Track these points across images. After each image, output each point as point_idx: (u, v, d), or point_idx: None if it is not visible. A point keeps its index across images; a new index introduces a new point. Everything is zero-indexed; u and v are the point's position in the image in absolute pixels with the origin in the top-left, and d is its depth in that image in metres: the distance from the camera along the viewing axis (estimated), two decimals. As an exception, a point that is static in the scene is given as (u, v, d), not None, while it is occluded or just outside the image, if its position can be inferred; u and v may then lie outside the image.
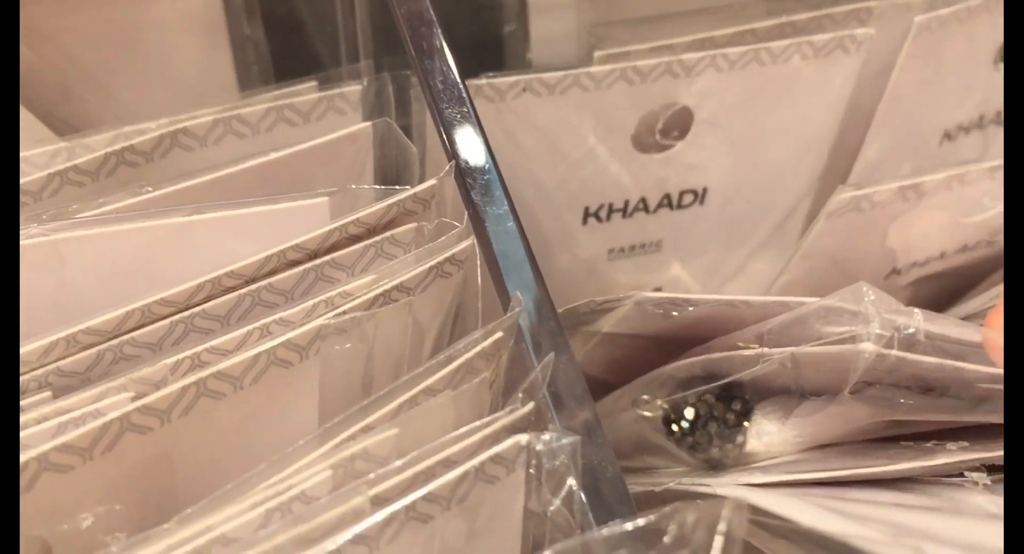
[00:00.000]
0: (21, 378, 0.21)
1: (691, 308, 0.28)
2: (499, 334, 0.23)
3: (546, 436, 0.20)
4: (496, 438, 0.20)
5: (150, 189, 0.25)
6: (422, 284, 0.24)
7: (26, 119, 0.29)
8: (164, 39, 0.32)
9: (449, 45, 0.27)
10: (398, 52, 0.30)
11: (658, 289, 0.40)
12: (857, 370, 0.24)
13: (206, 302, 0.22)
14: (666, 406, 0.30)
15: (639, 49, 0.33)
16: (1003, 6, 0.35)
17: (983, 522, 0.23)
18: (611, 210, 0.36)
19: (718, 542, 0.16)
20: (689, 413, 0.30)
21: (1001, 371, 0.24)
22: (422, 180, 0.25)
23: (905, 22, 0.34)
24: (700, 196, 0.36)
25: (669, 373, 0.30)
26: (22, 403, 0.20)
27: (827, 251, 0.34)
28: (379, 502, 0.19)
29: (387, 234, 0.24)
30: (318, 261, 0.24)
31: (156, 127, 0.27)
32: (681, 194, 0.36)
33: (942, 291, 0.39)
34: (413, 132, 0.32)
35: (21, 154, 0.26)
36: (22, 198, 0.24)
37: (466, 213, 0.25)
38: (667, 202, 0.36)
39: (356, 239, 0.24)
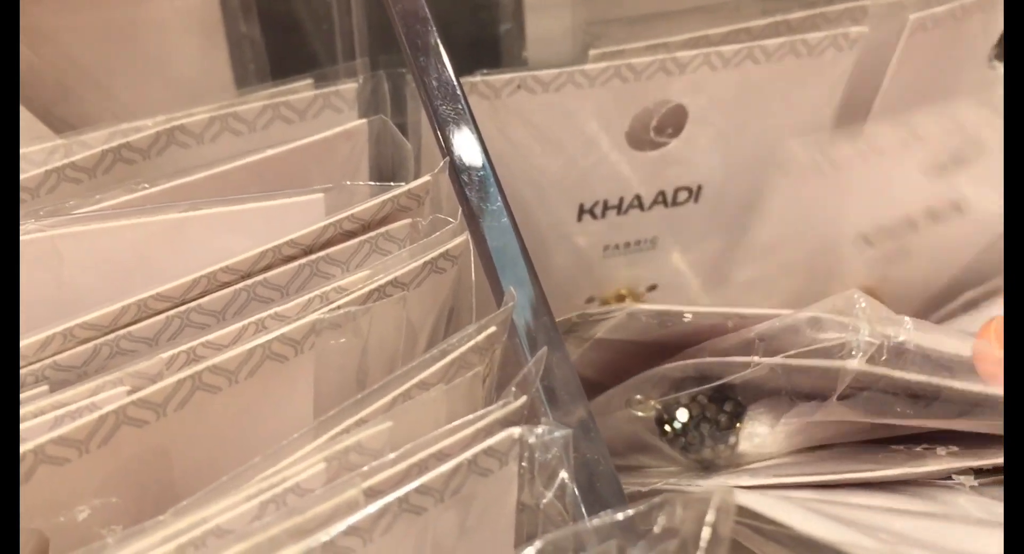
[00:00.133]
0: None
1: (684, 319, 0.29)
2: (492, 329, 0.23)
3: (539, 429, 0.20)
4: (489, 431, 0.20)
5: (147, 186, 0.25)
6: (416, 280, 0.24)
7: (24, 117, 0.29)
8: (161, 38, 0.32)
9: (446, 44, 0.27)
10: (394, 50, 0.30)
11: (653, 286, 0.40)
12: (845, 381, 0.24)
13: (202, 297, 0.23)
14: (659, 406, 0.30)
15: (634, 47, 0.33)
16: (1003, 5, 0.35)
17: (970, 528, 0.23)
18: (606, 207, 0.36)
19: (706, 532, 0.16)
20: (682, 414, 0.30)
21: (987, 390, 0.24)
22: (417, 177, 0.25)
23: (899, 20, 0.34)
24: (695, 193, 0.36)
25: (662, 374, 0.30)
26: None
27: (790, 210, 0.34)
28: (373, 494, 0.19)
29: (382, 230, 0.25)
30: (313, 257, 0.24)
31: (153, 125, 0.27)
32: (676, 191, 0.36)
33: (926, 281, 0.39)
34: (408, 130, 0.32)
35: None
36: (20, 195, 0.25)
37: (460, 209, 0.25)
38: (662, 199, 0.36)
39: (351, 235, 0.24)
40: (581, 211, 0.36)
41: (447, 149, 0.26)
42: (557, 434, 0.20)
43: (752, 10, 0.35)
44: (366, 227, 0.25)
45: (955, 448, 0.26)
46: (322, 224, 0.24)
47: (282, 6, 0.35)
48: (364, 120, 0.28)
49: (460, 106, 0.27)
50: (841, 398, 0.25)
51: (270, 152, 0.26)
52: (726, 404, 0.29)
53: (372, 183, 0.26)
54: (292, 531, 0.18)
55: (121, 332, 0.22)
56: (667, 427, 0.30)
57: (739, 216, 0.37)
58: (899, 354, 0.24)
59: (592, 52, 0.32)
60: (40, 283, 0.23)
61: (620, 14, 0.35)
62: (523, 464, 0.20)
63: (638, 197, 0.36)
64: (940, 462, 0.25)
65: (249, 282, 0.23)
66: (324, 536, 0.18)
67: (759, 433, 0.28)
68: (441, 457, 0.20)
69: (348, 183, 0.26)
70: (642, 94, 0.33)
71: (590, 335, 0.31)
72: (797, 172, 0.33)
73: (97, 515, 0.20)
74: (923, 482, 0.26)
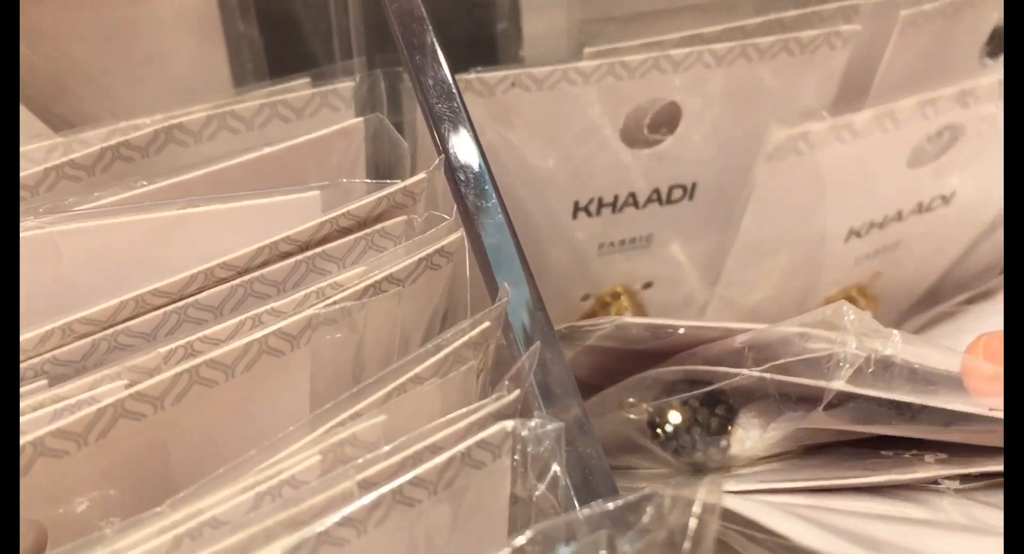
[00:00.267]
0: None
1: (678, 331, 0.29)
2: (487, 324, 0.23)
3: (531, 422, 0.21)
4: (482, 424, 0.21)
5: (145, 183, 0.25)
6: (412, 276, 0.24)
7: (23, 115, 0.29)
8: (160, 36, 0.32)
9: (443, 43, 0.28)
10: (390, 49, 0.30)
11: (649, 284, 0.40)
12: (830, 395, 0.25)
13: (199, 293, 0.23)
14: (651, 409, 0.31)
15: (628, 46, 0.33)
16: (995, 3, 0.35)
17: (952, 534, 0.23)
18: (601, 204, 0.36)
19: (692, 523, 0.16)
20: (674, 417, 0.30)
21: (970, 408, 0.24)
22: (414, 175, 0.26)
23: (892, 18, 0.34)
24: (689, 191, 0.37)
25: (655, 377, 0.30)
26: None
27: (776, 203, 0.34)
28: (367, 486, 0.19)
29: (377, 227, 0.25)
30: (309, 253, 0.24)
31: (151, 123, 0.27)
32: (670, 189, 0.36)
33: (918, 275, 0.39)
34: (405, 128, 0.32)
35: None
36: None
37: (455, 206, 0.25)
38: (656, 197, 0.36)
39: (347, 231, 0.25)
40: (576, 208, 0.36)
41: (442, 147, 0.26)
42: (550, 427, 0.21)
43: (746, 8, 0.35)
44: (362, 224, 0.25)
45: (943, 455, 0.26)
46: (318, 221, 0.24)
47: (280, 5, 0.35)
48: (360, 118, 0.28)
49: (456, 104, 0.27)
50: (828, 407, 0.25)
51: (267, 150, 0.26)
52: (718, 408, 0.29)
53: (368, 180, 0.26)
54: (287, 522, 0.18)
55: (119, 327, 0.22)
56: (659, 430, 0.31)
57: (733, 213, 0.38)
58: (885, 368, 0.24)
59: (587, 50, 0.33)
60: (39, 279, 0.23)
61: (615, 13, 0.35)
62: (516, 457, 0.21)
63: (633, 195, 0.36)
64: (928, 469, 0.26)
65: (246, 278, 0.23)
66: (319, 527, 0.18)
67: (750, 437, 0.29)
68: (435, 450, 0.20)
69: (344, 180, 0.26)
70: (636, 92, 0.33)
71: (580, 344, 0.32)
72: (786, 166, 0.33)
73: (96, 507, 0.20)
74: (910, 485, 0.26)
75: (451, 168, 0.26)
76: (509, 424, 0.20)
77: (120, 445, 0.20)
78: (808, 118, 0.32)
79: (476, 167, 0.26)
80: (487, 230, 0.25)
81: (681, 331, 0.29)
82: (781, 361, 0.26)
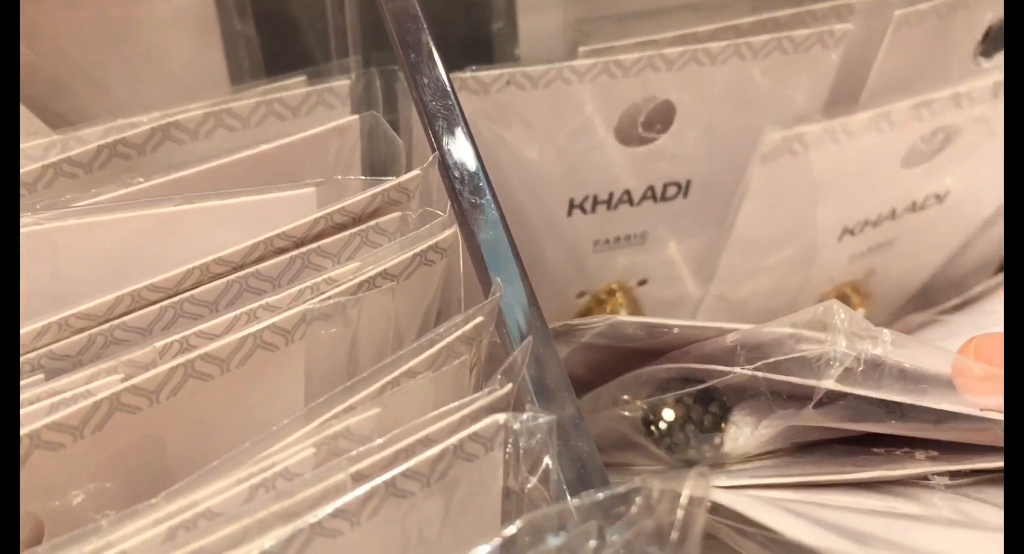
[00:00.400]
0: (15, 361, 0.21)
1: (671, 331, 0.29)
2: (480, 318, 0.23)
3: (523, 415, 0.21)
4: (475, 417, 0.21)
5: (142, 180, 0.25)
6: (406, 271, 0.24)
7: (21, 113, 0.29)
8: (157, 35, 0.32)
9: (440, 43, 0.28)
10: (386, 48, 0.30)
11: (644, 281, 0.40)
12: (819, 394, 0.25)
13: (195, 288, 0.23)
14: (645, 406, 0.31)
15: (623, 44, 0.33)
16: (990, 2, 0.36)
17: (941, 528, 0.23)
18: (596, 202, 0.36)
19: (680, 514, 0.16)
20: (668, 414, 0.30)
21: (958, 408, 0.24)
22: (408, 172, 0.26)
23: (885, 18, 0.34)
24: (684, 189, 0.37)
25: (649, 374, 0.31)
26: (16, 385, 0.21)
27: (771, 203, 0.35)
28: (360, 478, 0.19)
29: (372, 223, 0.25)
30: (304, 249, 0.24)
31: (148, 120, 0.27)
32: (665, 186, 0.36)
33: (913, 272, 0.40)
34: (400, 126, 0.32)
35: (16, 146, 0.26)
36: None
37: (449, 203, 0.26)
38: (651, 194, 0.37)
39: (341, 227, 0.25)
40: (571, 206, 0.36)
41: (437, 144, 0.26)
42: (541, 420, 0.21)
43: (740, 8, 0.35)
44: (357, 220, 0.25)
45: (934, 453, 0.26)
46: (313, 217, 0.24)
47: (276, 4, 0.36)
48: (356, 116, 0.28)
49: (450, 102, 0.27)
50: (818, 405, 0.25)
51: (263, 147, 0.26)
52: (711, 406, 0.30)
53: (363, 177, 0.27)
54: (281, 514, 0.18)
55: (115, 322, 0.22)
56: (653, 427, 0.31)
57: (728, 211, 0.38)
58: (875, 367, 0.24)
59: (581, 49, 0.33)
60: (36, 275, 0.23)
61: (610, 12, 0.35)
62: (508, 450, 0.21)
63: (627, 192, 0.36)
64: (918, 466, 0.26)
65: (241, 273, 0.23)
66: (312, 518, 0.18)
67: (743, 434, 0.29)
68: (427, 442, 0.20)
69: (339, 177, 0.26)
70: (630, 90, 0.33)
71: (575, 342, 0.32)
72: (780, 166, 0.33)
73: (91, 500, 0.21)
74: (900, 481, 0.26)
75: (445, 165, 0.26)
76: (501, 417, 0.21)
77: (116, 438, 0.20)
78: (803, 120, 0.33)
79: (470, 164, 0.26)
80: (481, 226, 0.25)
81: (675, 330, 0.29)
82: (772, 359, 0.26)
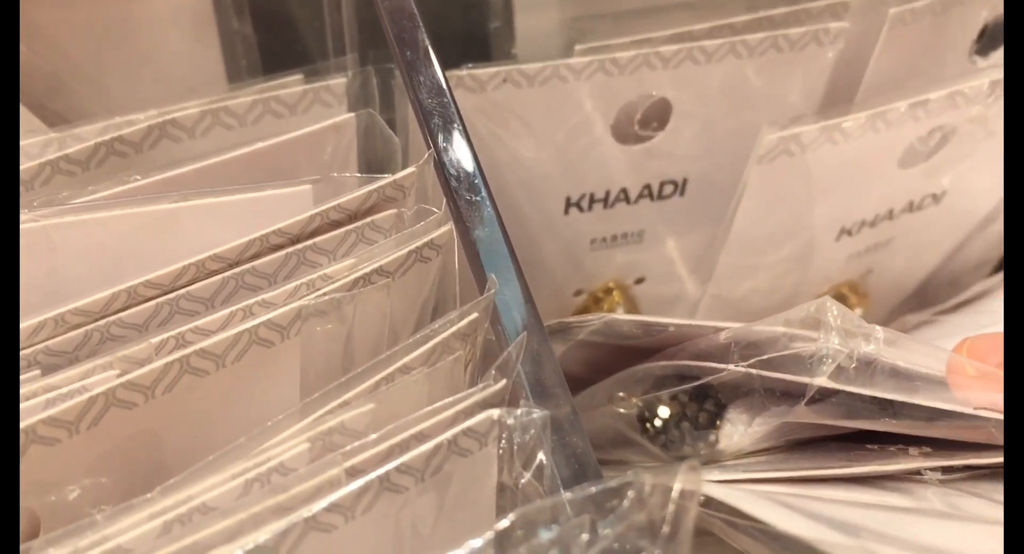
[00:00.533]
0: (11, 357, 0.21)
1: (668, 329, 0.29)
2: (474, 315, 0.23)
3: (517, 411, 0.21)
4: (469, 413, 0.21)
5: (139, 178, 0.25)
6: (402, 268, 0.24)
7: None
8: (154, 34, 0.32)
9: (437, 41, 0.28)
10: (382, 46, 0.30)
11: (641, 279, 0.40)
12: (811, 391, 0.25)
13: (191, 284, 0.23)
14: (641, 404, 0.31)
15: (619, 42, 0.33)
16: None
17: (934, 521, 0.23)
18: (592, 200, 0.36)
19: (671, 508, 0.16)
20: (663, 412, 0.30)
21: (949, 407, 0.24)
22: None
23: (880, 15, 0.34)
24: (680, 187, 0.37)
25: (645, 371, 0.31)
26: (12, 380, 0.21)
27: (768, 203, 0.35)
28: (354, 473, 0.19)
29: (368, 220, 0.25)
30: (300, 246, 0.24)
31: (145, 118, 0.27)
32: (661, 184, 0.37)
33: (909, 272, 0.40)
34: (397, 124, 0.32)
35: (13, 144, 0.26)
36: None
37: (445, 200, 0.26)
38: (648, 193, 0.37)
39: (337, 224, 0.25)
40: (568, 204, 0.36)
41: (433, 142, 0.26)
42: (535, 415, 0.21)
43: (736, 6, 0.35)
44: (352, 217, 0.25)
45: (928, 449, 0.26)
46: (309, 214, 0.24)
47: (274, 3, 0.36)
48: (352, 114, 0.28)
49: (446, 100, 0.27)
50: (811, 402, 0.25)
51: (260, 145, 0.27)
52: (706, 403, 0.30)
53: (359, 175, 0.27)
54: (275, 508, 0.18)
55: (112, 318, 0.22)
56: (649, 424, 0.31)
57: (724, 209, 0.38)
58: (868, 364, 0.24)
59: (577, 47, 0.33)
60: (33, 271, 0.23)
61: (606, 10, 0.35)
62: (502, 445, 0.21)
63: (624, 190, 0.36)
64: (912, 461, 0.26)
65: (237, 270, 0.24)
66: (306, 513, 0.18)
67: (738, 431, 0.29)
68: (421, 438, 0.20)
69: (335, 174, 0.26)
70: (626, 88, 0.33)
71: (571, 339, 0.32)
72: (777, 167, 0.33)
73: (87, 495, 0.21)
74: (893, 476, 0.26)
75: (441, 163, 0.26)
76: (495, 412, 0.21)
77: (111, 433, 0.21)
78: (799, 119, 0.33)
79: (466, 162, 0.26)
80: (476, 224, 0.25)
81: (670, 329, 0.29)
82: (766, 356, 0.26)
